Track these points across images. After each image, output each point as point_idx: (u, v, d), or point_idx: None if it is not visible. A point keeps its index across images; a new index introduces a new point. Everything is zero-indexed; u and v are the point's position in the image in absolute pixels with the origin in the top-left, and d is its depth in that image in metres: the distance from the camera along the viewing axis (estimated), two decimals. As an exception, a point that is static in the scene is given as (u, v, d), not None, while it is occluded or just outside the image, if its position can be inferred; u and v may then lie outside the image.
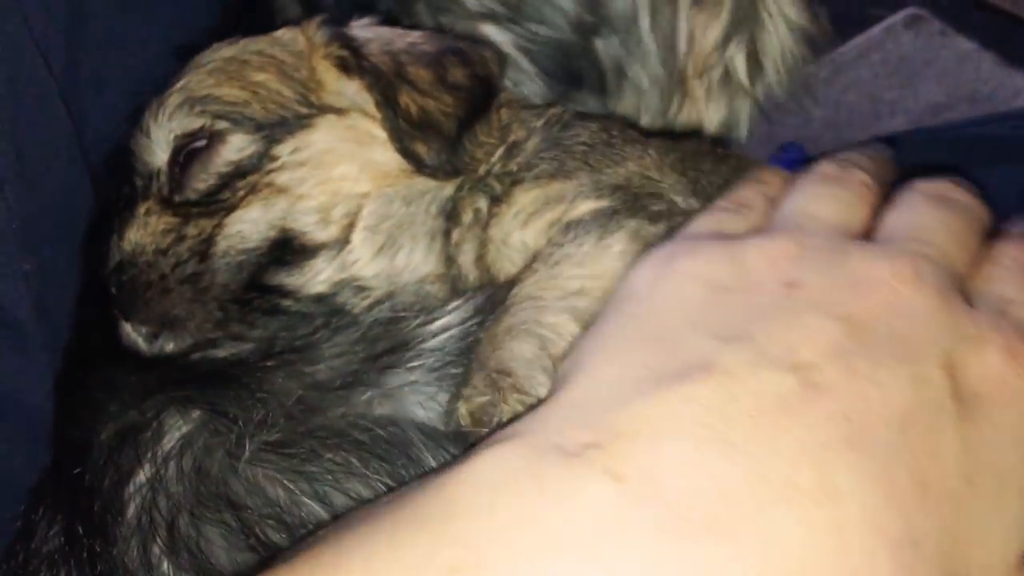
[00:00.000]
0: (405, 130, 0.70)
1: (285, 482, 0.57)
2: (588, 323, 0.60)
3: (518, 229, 0.69)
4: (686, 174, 0.72)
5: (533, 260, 0.66)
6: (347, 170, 0.71)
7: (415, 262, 0.71)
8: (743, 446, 0.45)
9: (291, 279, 0.68)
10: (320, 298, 0.67)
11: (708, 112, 0.99)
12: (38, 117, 0.73)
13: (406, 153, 0.70)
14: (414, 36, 0.76)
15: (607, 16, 0.90)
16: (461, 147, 0.71)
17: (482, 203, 0.71)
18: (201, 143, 0.70)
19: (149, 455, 0.59)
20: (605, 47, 0.91)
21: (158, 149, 0.71)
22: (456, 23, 0.86)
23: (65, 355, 0.75)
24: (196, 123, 0.70)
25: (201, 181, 0.69)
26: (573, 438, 0.46)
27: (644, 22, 0.91)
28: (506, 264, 0.69)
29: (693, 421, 0.46)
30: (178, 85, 0.72)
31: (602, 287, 0.63)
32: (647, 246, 0.64)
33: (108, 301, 0.70)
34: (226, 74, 0.72)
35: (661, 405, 0.46)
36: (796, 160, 0.65)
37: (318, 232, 0.69)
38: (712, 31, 0.95)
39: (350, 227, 0.70)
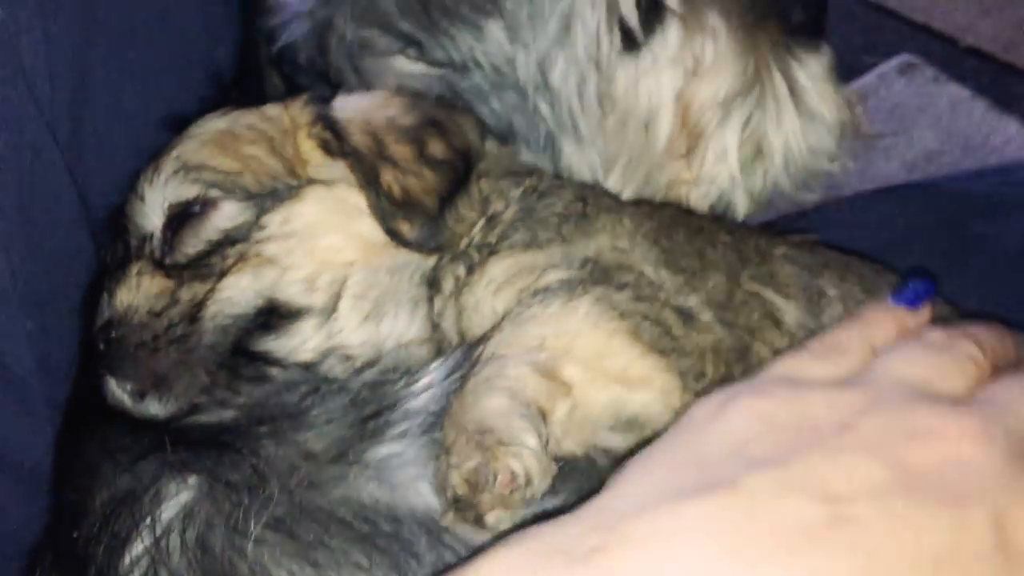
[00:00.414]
0: (388, 210, 0.73)
1: (293, 567, 0.59)
2: (551, 375, 0.62)
3: (489, 297, 0.71)
4: (658, 243, 0.74)
5: (502, 320, 0.68)
6: (333, 241, 0.73)
7: (400, 329, 0.73)
8: (755, 563, 0.46)
9: (278, 344, 0.70)
10: (307, 366, 0.69)
11: (693, 196, 0.93)
12: (43, 183, 0.75)
13: (390, 232, 0.73)
14: (394, 107, 0.78)
15: (519, 79, 0.85)
16: (443, 223, 0.74)
17: (461, 271, 0.74)
18: (195, 209, 0.72)
19: (148, 522, 0.61)
20: (543, 108, 0.87)
21: (152, 213, 0.74)
22: (368, 63, 0.85)
23: (63, 414, 0.77)
24: (191, 191, 0.73)
25: (191, 246, 0.72)
26: (583, 543, 0.47)
27: (572, 102, 0.86)
28: (477, 330, 0.71)
29: (706, 533, 0.47)
30: (172, 153, 0.75)
31: (564, 346, 0.65)
32: (611, 309, 0.66)
33: (95, 358, 0.72)
34: (219, 145, 0.75)
35: (677, 516, 0.48)
36: (920, 296, 0.64)
37: (304, 300, 0.72)
38: (704, 109, 0.89)
39: (337, 296, 0.72)
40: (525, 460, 0.59)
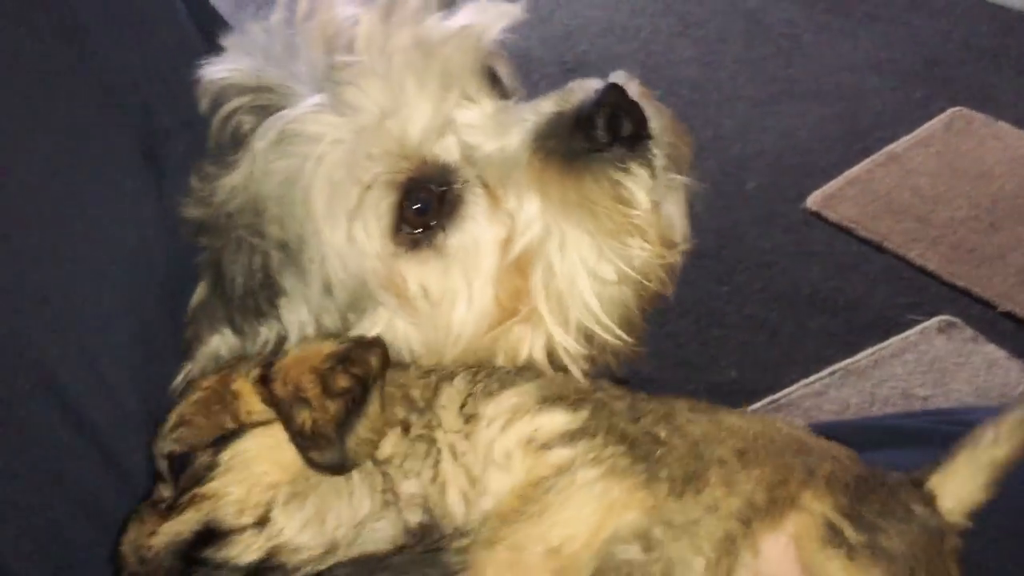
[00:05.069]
0: (301, 443, 0.93)
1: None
2: None
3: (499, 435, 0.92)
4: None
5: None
6: (263, 467, 0.94)
7: (347, 515, 0.95)
8: None
9: (221, 554, 0.93)
10: (256, 564, 0.93)
11: (548, 322, 1.06)
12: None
13: (307, 461, 0.93)
14: (316, 354, 0.98)
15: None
16: (343, 446, 0.92)
17: (445, 453, 0.93)
18: (188, 458, 0.98)
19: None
20: None
21: (161, 459, 1.01)
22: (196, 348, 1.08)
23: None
24: (176, 447, 0.99)
25: (175, 487, 0.98)
26: None
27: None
28: (494, 484, 0.91)
29: None
30: (175, 412, 1.02)
31: None
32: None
33: None
34: (199, 406, 1.01)
35: None
36: None
37: (235, 521, 0.92)
38: (528, 250, 1.04)
39: (267, 510, 0.92)
40: None
